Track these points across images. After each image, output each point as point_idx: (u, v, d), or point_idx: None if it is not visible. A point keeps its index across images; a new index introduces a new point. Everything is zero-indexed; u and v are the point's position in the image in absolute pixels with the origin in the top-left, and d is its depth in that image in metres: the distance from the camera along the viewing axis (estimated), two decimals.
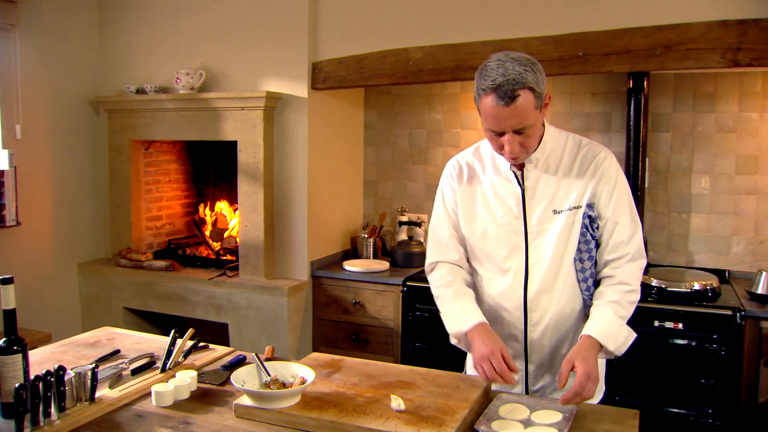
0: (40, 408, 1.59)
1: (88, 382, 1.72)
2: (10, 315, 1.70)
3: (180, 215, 4.50)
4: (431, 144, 4.17)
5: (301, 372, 1.82)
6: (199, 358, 2.14)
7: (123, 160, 4.10)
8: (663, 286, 3.11)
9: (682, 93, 3.58)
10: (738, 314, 2.90)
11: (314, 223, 3.79)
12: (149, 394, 1.82)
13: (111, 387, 1.85)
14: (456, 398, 1.75)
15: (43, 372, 1.60)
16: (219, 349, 2.24)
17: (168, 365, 1.98)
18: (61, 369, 1.64)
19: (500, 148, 1.86)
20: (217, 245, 4.27)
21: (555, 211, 1.92)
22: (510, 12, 3.24)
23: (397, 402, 1.68)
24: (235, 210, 4.26)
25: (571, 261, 1.93)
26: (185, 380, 1.85)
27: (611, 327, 1.85)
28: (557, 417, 1.68)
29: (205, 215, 4.41)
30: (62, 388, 1.64)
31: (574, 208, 1.92)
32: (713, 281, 3.16)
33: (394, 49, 3.47)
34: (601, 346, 1.83)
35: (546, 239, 1.93)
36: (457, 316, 1.97)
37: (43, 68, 3.89)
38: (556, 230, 1.92)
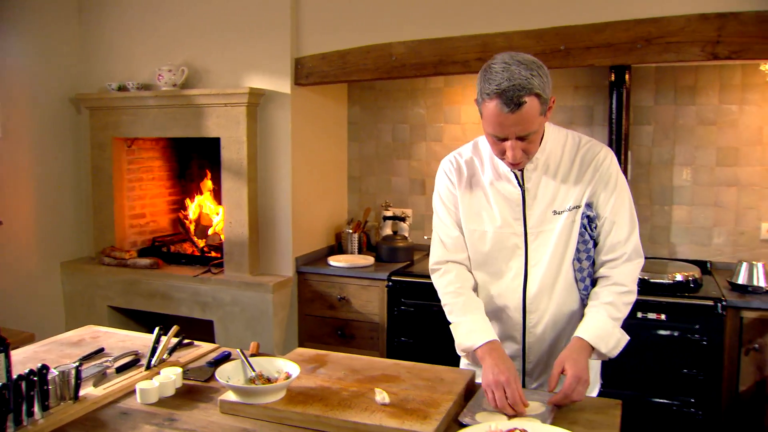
0: (23, 407, 1.58)
1: (72, 381, 1.72)
2: None
3: (164, 213, 4.48)
4: (415, 139, 4.18)
5: (286, 367, 1.82)
6: (184, 355, 2.14)
7: (105, 158, 4.08)
8: (646, 278, 3.14)
9: (664, 86, 3.61)
10: (719, 304, 2.93)
11: (299, 219, 3.78)
12: (134, 391, 1.82)
13: (95, 385, 1.84)
14: (440, 391, 1.76)
15: (26, 371, 1.60)
16: (204, 346, 2.24)
17: (153, 362, 1.98)
18: (45, 368, 1.63)
19: (501, 154, 1.81)
20: (201, 242, 4.26)
21: (555, 212, 1.90)
22: (492, 6, 3.25)
23: (381, 396, 1.69)
24: (218, 205, 4.25)
25: (571, 261, 1.92)
26: (170, 377, 1.85)
27: (604, 329, 1.84)
28: (541, 408, 1.70)
29: (189, 213, 4.39)
30: (45, 387, 1.63)
31: (574, 208, 1.90)
32: (695, 272, 3.19)
33: (376, 44, 3.47)
34: (593, 348, 1.82)
35: (546, 240, 1.91)
36: (468, 330, 1.89)
37: (23, 66, 3.85)
38: (556, 231, 1.90)
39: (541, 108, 1.72)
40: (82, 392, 1.76)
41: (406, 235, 3.99)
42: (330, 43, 3.59)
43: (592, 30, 3.04)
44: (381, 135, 4.27)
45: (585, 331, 1.84)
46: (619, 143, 3.41)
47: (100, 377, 1.91)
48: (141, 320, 4.15)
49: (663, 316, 3.01)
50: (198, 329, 3.72)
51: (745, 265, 3.11)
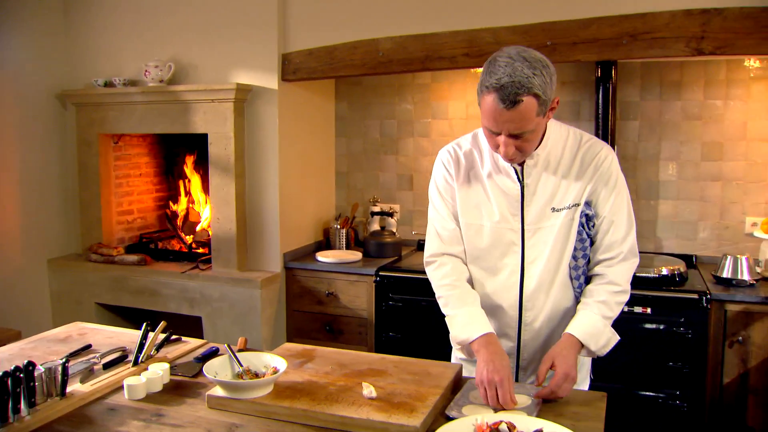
0: (9, 404, 1.58)
1: (59, 377, 1.71)
2: None
3: (151, 209, 4.46)
4: (402, 134, 4.18)
5: (273, 362, 1.83)
6: (172, 350, 2.14)
7: (92, 155, 4.06)
8: None
9: (649, 81, 3.64)
10: (704, 298, 2.96)
11: (286, 214, 3.78)
12: (121, 387, 1.81)
13: (82, 382, 1.84)
14: (427, 385, 1.77)
15: (12, 368, 1.59)
16: (192, 342, 2.24)
17: (140, 358, 1.98)
18: (31, 365, 1.63)
19: (496, 147, 1.79)
20: (189, 238, 4.25)
21: (554, 209, 1.89)
22: (479, 2, 3.26)
23: (368, 390, 1.70)
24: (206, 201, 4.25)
25: (569, 258, 1.92)
26: (158, 373, 1.84)
27: (595, 327, 1.85)
28: (527, 401, 1.71)
29: (177, 209, 4.38)
30: (32, 384, 1.63)
31: (573, 205, 1.89)
32: (680, 266, 3.22)
33: (363, 39, 3.47)
34: (583, 345, 1.83)
35: (543, 237, 1.90)
36: (464, 323, 1.88)
37: (8, 61, 3.83)
38: (554, 228, 1.89)
39: (539, 108, 1.70)
40: (69, 389, 1.75)
41: (394, 230, 4.00)
42: (317, 38, 3.59)
43: (578, 26, 3.06)
44: (368, 131, 4.27)
45: (576, 328, 1.85)
46: (605, 138, 3.43)
47: (87, 373, 1.91)
48: (129, 317, 4.14)
49: (649, 310, 3.04)
50: (186, 325, 3.71)
51: (729, 258, 3.14)
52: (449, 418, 1.62)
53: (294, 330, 3.82)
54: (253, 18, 3.64)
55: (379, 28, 3.44)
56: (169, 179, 4.55)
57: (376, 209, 4.09)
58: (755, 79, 3.45)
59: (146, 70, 3.76)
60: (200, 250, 4.10)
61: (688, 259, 3.54)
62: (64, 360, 1.75)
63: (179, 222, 4.35)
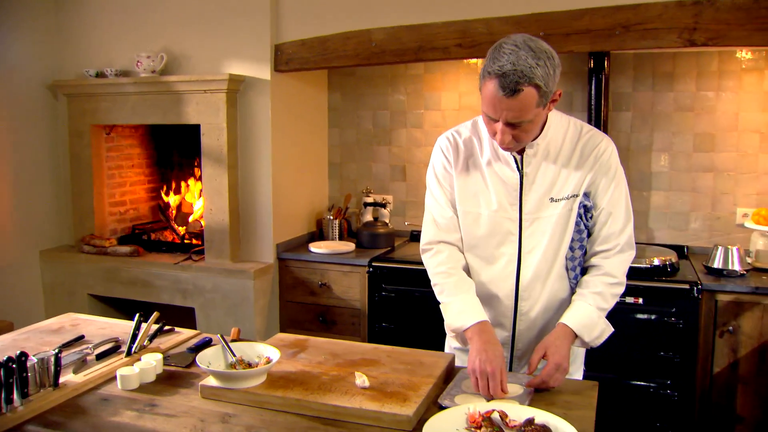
0: (2, 395, 1.58)
1: (52, 368, 1.71)
2: None
3: (144, 200, 4.45)
4: (395, 125, 4.18)
5: (266, 352, 1.83)
6: (165, 341, 2.14)
7: (84, 145, 4.04)
8: None
9: (642, 72, 3.64)
10: (695, 288, 2.98)
11: (279, 205, 3.78)
12: (115, 378, 1.82)
13: (75, 372, 1.84)
14: (420, 374, 1.78)
15: (5, 359, 1.59)
16: (185, 332, 2.24)
17: (133, 349, 1.98)
18: (24, 355, 1.63)
19: (493, 134, 1.79)
20: (182, 229, 4.25)
21: (552, 199, 1.89)
22: None
23: (361, 379, 1.71)
24: (199, 191, 4.24)
25: (566, 249, 1.92)
26: (151, 363, 1.85)
27: (590, 318, 1.86)
28: (519, 390, 1.72)
29: (169, 200, 4.37)
30: (25, 375, 1.63)
31: (572, 196, 1.89)
32: (672, 257, 3.23)
33: (356, 30, 3.46)
34: (576, 336, 1.84)
35: (540, 227, 1.90)
36: (458, 310, 1.89)
37: None
38: (552, 219, 1.89)
39: (539, 99, 1.69)
40: (62, 379, 1.75)
41: (387, 221, 4.00)
42: (310, 29, 3.58)
43: (571, 16, 3.06)
44: (361, 121, 4.27)
45: (570, 318, 1.86)
46: (598, 129, 3.43)
47: (81, 364, 1.91)
48: (122, 308, 4.14)
49: (640, 300, 3.05)
50: (179, 316, 3.71)
51: (720, 249, 3.16)
52: (442, 407, 1.63)
53: (287, 320, 3.82)
54: (246, 8, 3.62)
55: (372, 18, 3.43)
56: (162, 170, 4.54)
57: (369, 200, 4.09)
58: (747, 71, 3.46)
59: (138, 61, 3.74)
60: (193, 241, 4.10)
61: (679, 250, 3.56)
62: (56, 351, 1.76)
63: (172, 213, 4.34)
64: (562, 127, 1.92)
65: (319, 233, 4.21)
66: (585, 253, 1.96)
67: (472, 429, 1.49)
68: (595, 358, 3.09)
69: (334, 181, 4.38)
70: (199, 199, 4.25)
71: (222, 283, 3.66)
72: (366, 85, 4.22)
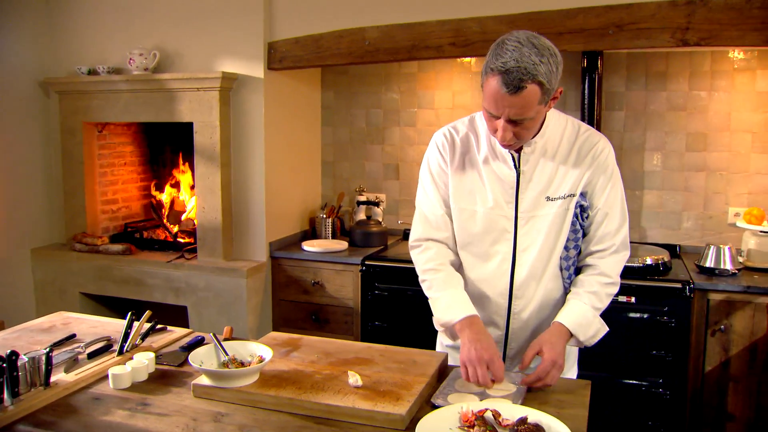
0: None
1: (43, 367, 1.70)
2: None
3: (136, 198, 4.43)
4: (388, 124, 4.18)
5: (259, 351, 1.83)
6: (157, 340, 2.13)
7: (76, 143, 4.02)
8: None
9: (635, 72, 3.65)
10: (687, 287, 2.99)
11: (272, 204, 3.77)
12: (106, 377, 1.81)
13: (66, 371, 1.83)
14: (413, 373, 1.78)
15: None
16: (177, 331, 2.23)
17: (125, 348, 1.97)
18: (14, 354, 1.62)
19: (494, 131, 1.78)
20: (174, 228, 4.23)
21: (548, 198, 1.88)
22: None
23: (354, 378, 1.70)
24: (191, 187, 4.22)
25: (562, 249, 1.92)
26: (143, 362, 1.84)
27: (585, 317, 1.86)
28: (511, 389, 1.72)
29: (162, 198, 4.35)
30: (15, 374, 1.62)
31: (569, 195, 1.88)
32: (664, 256, 3.24)
33: (350, 28, 3.45)
34: (571, 335, 1.84)
35: (536, 226, 1.89)
36: (447, 305, 1.89)
37: None
38: (548, 218, 1.88)
39: (541, 97, 1.68)
40: (53, 378, 1.74)
41: (380, 219, 4.00)
42: (303, 27, 3.57)
43: (564, 15, 3.06)
44: (355, 120, 4.26)
45: (566, 317, 1.85)
46: (595, 129, 3.44)
47: (72, 363, 1.90)
48: (114, 307, 4.12)
49: (633, 299, 3.06)
50: (171, 315, 3.69)
51: (712, 248, 3.17)
52: (435, 407, 1.63)
53: (280, 319, 3.82)
54: (239, 6, 3.61)
55: (366, 16, 3.42)
56: (154, 168, 4.52)
57: (362, 198, 4.09)
58: (739, 71, 3.48)
59: (131, 58, 3.73)
60: (186, 240, 4.08)
61: (672, 249, 3.57)
62: (47, 349, 1.74)
63: (164, 211, 4.32)
64: (559, 126, 1.91)
65: (312, 232, 4.20)
66: (580, 252, 1.97)
67: (465, 428, 1.49)
68: (587, 357, 3.10)
69: (327, 180, 4.38)
70: (191, 198, 4.24)
71: (214, 282, 3.65)
72: (359, 83, 4.21)
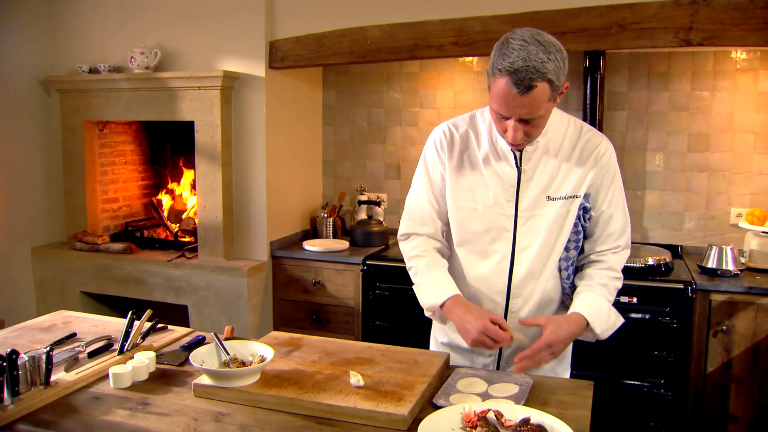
0: None
1: (43, 366, 1.69)
2: None
3: (137, 197, 4.43)
4: (390, 123, 4.17)
5: (260, 350, 1.82)
6: (158, 339, 2.12)
7: (77, 142, 4.02)
8: None
9: (637, 72, 3.64)
10: (689, 288, 2.98)
11: (273, 203, 3.77)
12: (107, 376, 1.80)
13: (67, 370, 1.82)
14: (415, 373, 1.77)
15: None
16: (178, 330, 2.22)
17: (126, 347, 1.96)
18: (14, 353, 1.61)
19: (503, 132, 1.77)
20: (175, 227, 4.22)
21: (549, 198, 1.87)
22: None
23: (356, 378, 1.70)
24: (192, 186, 4.21)
25: (562, 249, 1.91)
26: (143, 361, 1.83)
27: (601, 309, 1.85)
28: (514, 389, 1.72)
29: (163, 197, 4.35)
30: (15, 373, 1.61)
31: (571, 197, 1.87)
32: (666, 256, 3.23)
33: (351, 27, 3.45)
34: (588, 325, 1.83)
35: (536, 225, 1.88)
36: (431, 288, 1.91)
37: None
38: (548, 217, 1.87)
39: (551, 94, 1.67)
40: (53, 377, 1.74)
41: (381, 219, 3.99)
42: (305, 26, 3.56)
43: (567, 15, 3.05)
44: (356, 119, 4.25)
45: (584, 307, 1.84)
46: (597, 130, 3.43)
47: (72, 362, 1.89)
48: (114, 306, 4.12)
49: (635, 300, 3.05)
50: (172, 314, 3.69)
51: (714, 249, 3.16)
52: (437, 407, 1.62)
53: (281, 319, 3.81)
54: (241, 4, 3.60)
55: (368, 15, 3.42)
56: (155, 167, 4.52)
57: (364, 198, 4.08)
58: (742, 71, 3.47)
59: (132, 57, 3.72)
60: (186, 239, 4.08)
61: (674, 250, 3.56)
62: (48, 348, 1.73)
63: (165, 210, 4.31)
64: (562, 125, 1.90)
65: (313, 231, 4.19)
66: (580, 253, 1.96)
67: (468, 429, 1.48)
68: (589, 356, 3.10)
69: (329, 179, 4.37)
70: (192, 197, 4.23)
71: (215, 281, 3.65)
72: (361, 82, 4.20)
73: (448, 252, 2.03)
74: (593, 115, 3.45)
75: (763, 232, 3.24)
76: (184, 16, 3.74)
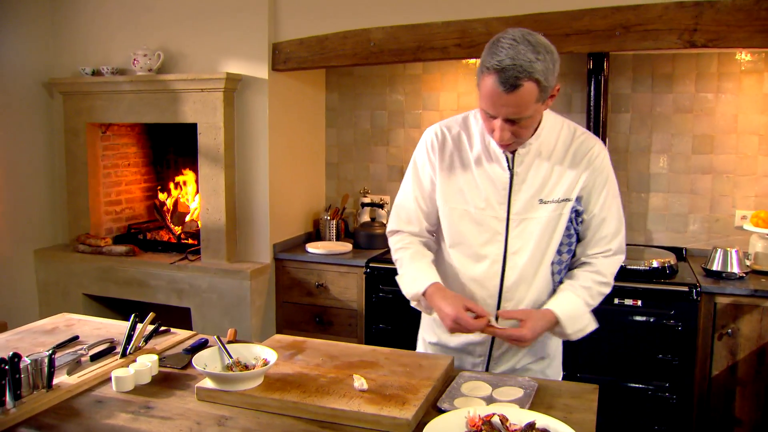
0: None
1: (45, 369, 1.69)
2: None
3: (140, 199, 4.42)
4: (393, 125, 4.16)
5: (263, 354, 1.81)
6: (161, 342, 2.12)
7: (80, 144, 4.01)
8: (623, 264, 3.14)
9: (641, 74, 3.63)
10: (694, 290, 2.97)
11: (276, 205, 3.76)
12: (109, 379, 1.79)
13: (69, 373, 1.81)
14: (418, 377, 1.76)
15: None
16: (181, 333, 2.21)
17: (128, 350, 1.96)
18: (17, 356, 1.60)
19: (491, 131, 1.77)
20: (178, 229, 4.22)
21: (541, 201, 1.86)
22: None
23: (359, 382, 1.69)
24: (195, 188, 4.21)
25: (554, 253, 1.90)
26: (146, 364, 1.82)
27: (576, 310, 1.85)
28: (519, 393, 1.70)
29: (166, 199, 4.35)
30: (18, 376, 1.60)
31: (563, 200, 1.86)
32: (671, 259, 3.22)
33: (355, 29, 3.44)
34: (559, 324, 1.83)
35: (528, 228, 1.87)
36: (412, 277, 1.93)
37: None
38: (541, 221, 1.86)
39: (539, 95, 1.66)
40: (55, 381, 1.73)
41: (384, 221, 3.98)
42: (308, 28, 3.56)
43: (571, 17, 3.05)
44: (359, 121, 4.25)
45: (557, 306, 1.85)
46: (597, 130, 3.43)
47: (75, 365, 1.88)
48: (117, 308, 4.11)
49: (639, 302, 3.04)
50: (175, 317, 3.69)
51: (719, 251, 3.15)
52: (441, 411, 1.61)
53: (284, 321, 3.80)
54: (244, 6, 3.60)
55: (371, 17, 3.41)
56: (158, 169, 4.51)
57: (367, 200, 4.07)
58: (746, 73, 3.45)
59: (135, 59, 3.72)
60: (189, 241, 4.07)
61: (678, 252, 3.55)
62: (50, 351, 1.73)
63: (168, 212, 4.31)
64: (555, 128, 1.89)
65: (316, 234, 4.18)
66: (573, 256, 1.95)
67: None
68: (593, 360, 3.09)
69: (332, 182, 4.36)
70: (195, 199, 4.23)
71: (218, 284, 3.64)
72: (364, 84, 4.20)
73: (435, 247, 2.06)
74: (597, 117, 3.44)
75: None
76: (187, 18, 3.74)
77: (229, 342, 2.00)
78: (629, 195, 3.69)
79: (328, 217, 4.03)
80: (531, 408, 1.62)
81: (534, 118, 1.74)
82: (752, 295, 2.94)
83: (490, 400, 1.67)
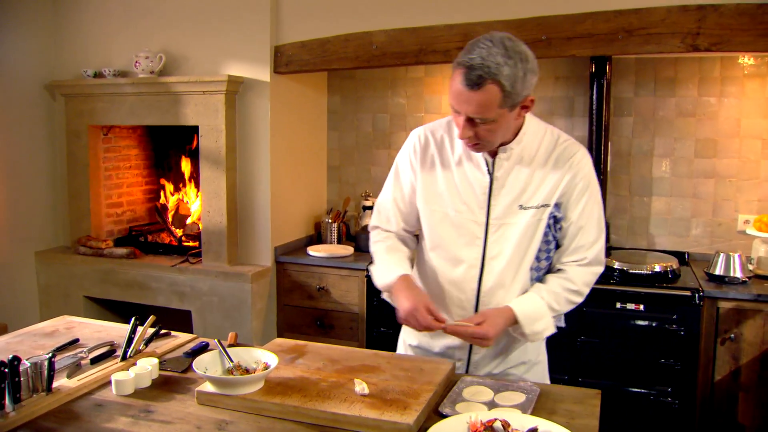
0: None
1: (45, 372, 1.68)
2: None
3: (141, 202, 4.42)
4: (395, 128, 4.16)
5: (264, 357, 1.80)
6: (161, 345, 2.11)
7: (81, 146, 4.01)
8: (625, 269, 3.16)
9: (644, 77, 3.63)
10: (696, 295, 2.96)
11: (277, 208, 3.75)
12: (109, 383, 1.78)
13: (69, 377, 1.80)
14: (420, 381, 1.75)
15: None
16: (181, 336, 2.21)
17: (128, 353, 1.95)
18: (16, 359, 1.59)
19: (457, 126, 1.78)
20: (179, 232, 4.22)
21: (521, 207, 1.85)
22: None
23: (361, 386, 1.68)
24: (196, 191, 4.21)
25: (533, 259, 1.89)
26: (146, 368, 1.81)
27: (537, 312, 1.85)
28: (521, 398, 1.69)
29: (167, 202, 4.34)
30: (17, 379, 1.59)
31: (543, 206, 1.85)
32: (673, 263, 3.21)
33: (357, 32, 3.44)
34: (516, 322, 1.84)
35: (507, 234, 1.86)
36: (383, 270, 1.96)
37: None
38: (520, 226, 1.85)
39: (502, 100, 1.66)
40: (55, 384, 1.72)
41: None
42: (310, 30, 3.55)
43: (573, 20, 3.04)
44: (361, 124, 4.24)
45: (518, 304, 1.85)
46: (599, 134, 3.42)
47: (75, 368, 1.87)
48: (117, 311, 4.10)
49: (641, 307, 3.03)
50: (175, 319, 3.68)
51: (722, 255, 3.14)
52: (443, 416, 1.60)
53: (285, 325, 3.79)
54: (246, 9, 3.60)
55: (373, 20, 3.41)
56: (159, 171, 4.51)
57: (368, 203, 4.06)
58: (749, 77, 3.45)
59: (137, 61, 3.72)
60: (190, 244, 4.06)
61: (680, 256, 3.54)
62: (50, 354, 1.72)
63: (169, 215, 4.31)
64: (538, 134, 1.89)
65: (318, 237, 4.18)
66: (551, 263, 1.95)
67: None
68: (595, 364, 3.07)
69: (333, 185, 4.36)
70: (196, 201, 4.22)
71: (219, 287, 3.63)
72: (366, 87, 4.19)
73: (413, 245, 2.10)
74: (599, 121, 3.43)
75: None
76: (189, 21, 3.74)
77: (230, 345, 1.99)
78: (631, 199, 3.68)
79: (330, 220, 4.02)
80: (533, 413, 1.61)
81: (498, 123, 1.72)
82: (755, 300, 2.93)
83: (491, 405, 1.66)
